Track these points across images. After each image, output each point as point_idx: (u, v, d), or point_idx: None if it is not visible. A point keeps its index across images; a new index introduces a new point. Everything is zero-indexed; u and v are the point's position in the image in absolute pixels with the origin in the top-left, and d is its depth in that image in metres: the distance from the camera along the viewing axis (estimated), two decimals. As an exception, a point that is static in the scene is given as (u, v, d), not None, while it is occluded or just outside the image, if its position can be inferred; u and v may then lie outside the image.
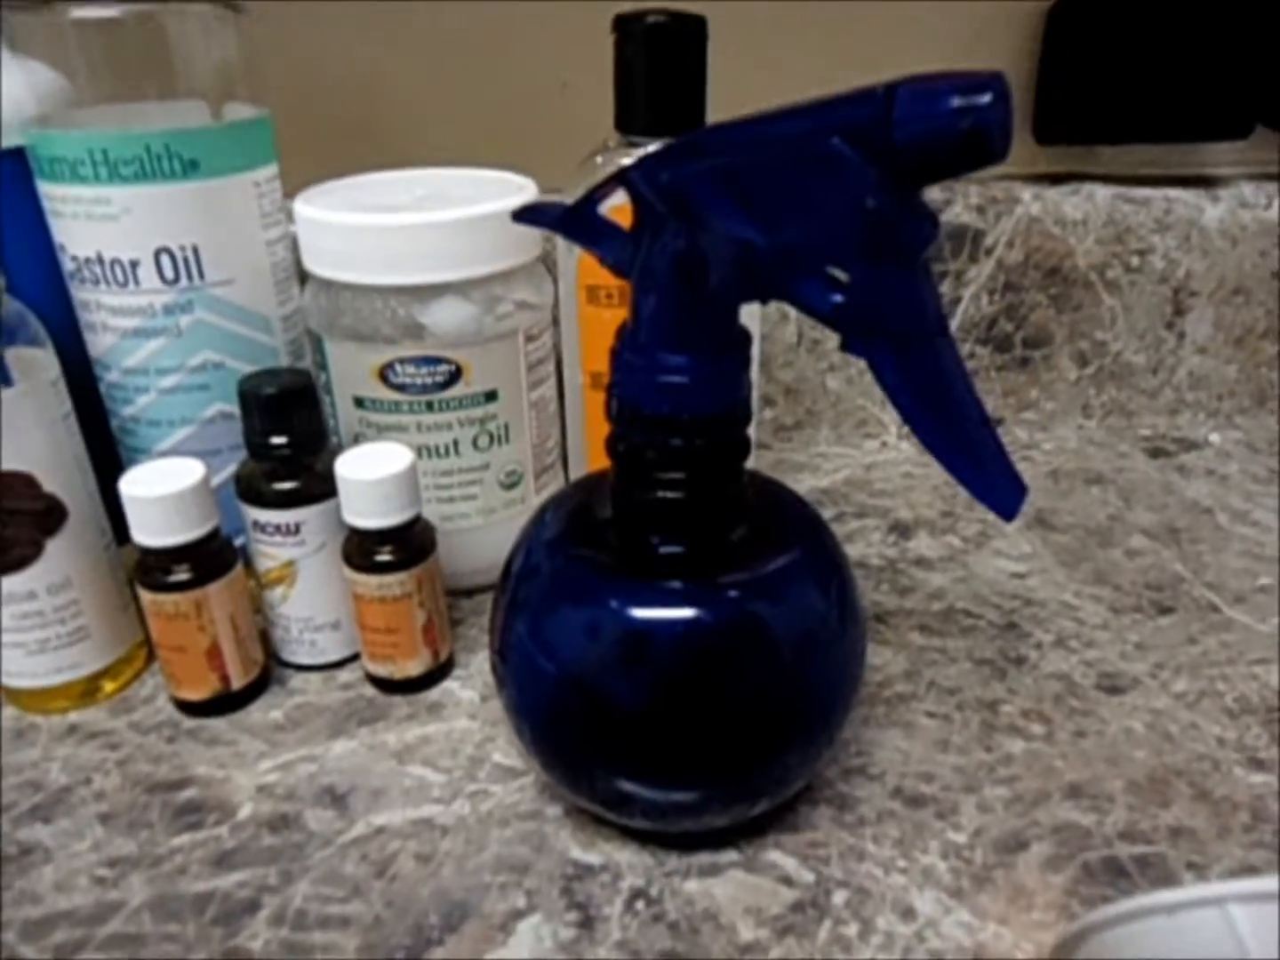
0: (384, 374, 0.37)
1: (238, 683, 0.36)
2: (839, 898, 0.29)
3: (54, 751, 0.35)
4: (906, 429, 0.57)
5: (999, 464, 0.24)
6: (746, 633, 0.28)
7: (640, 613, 0.27)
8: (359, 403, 0.39)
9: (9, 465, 0.33)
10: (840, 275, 0.22)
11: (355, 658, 0.39)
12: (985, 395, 0.57)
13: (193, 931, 0.28)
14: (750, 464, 0.29)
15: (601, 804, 0.30)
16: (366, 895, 0.29)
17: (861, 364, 0.55)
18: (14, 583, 0.34)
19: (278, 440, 0.35)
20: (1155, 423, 0.58)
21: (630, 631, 0.27)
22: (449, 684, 0.38)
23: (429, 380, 0.38)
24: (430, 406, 0.38)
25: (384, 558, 0.35)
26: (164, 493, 0.32)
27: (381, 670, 0.37)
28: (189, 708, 0.36)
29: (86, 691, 0.37)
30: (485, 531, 0.41)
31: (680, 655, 0.27)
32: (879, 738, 0.35)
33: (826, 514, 0.49)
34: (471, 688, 0.38)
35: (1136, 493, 0.51)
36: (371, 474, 0.34)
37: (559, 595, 0.29)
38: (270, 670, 0.38)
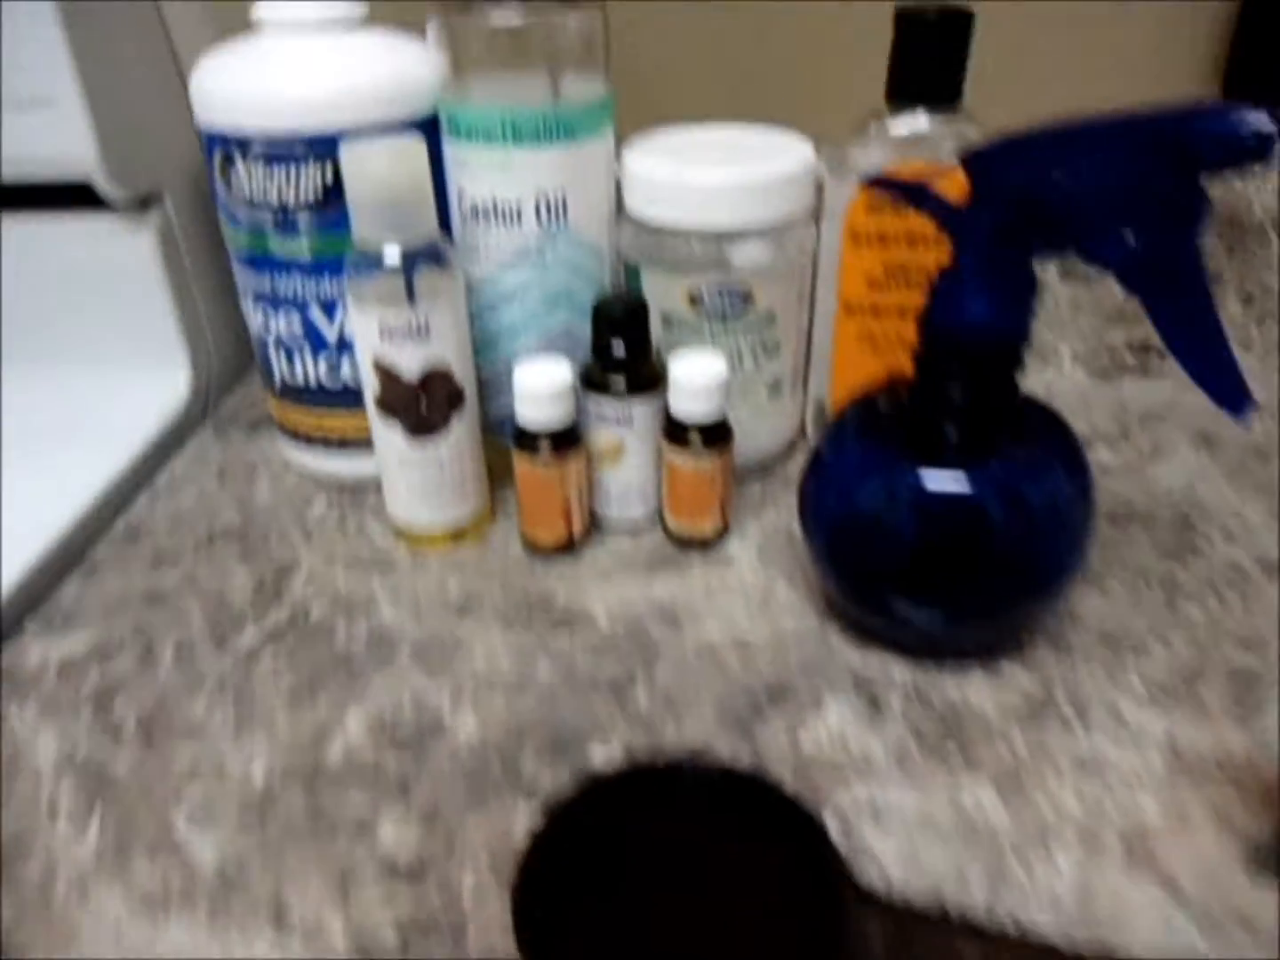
0: (692, 297, 0.48)
1: (578, 532, 0.48)
2: (1060, 696, 0.39)
3: (447, 575, 0.47)
4: (1078, 362, 0.65)
5: (1236, 379, 0.33)
6: (1005, 504, 0.37)
7: (929, 484, 0.37)
8: (665, 320, 0.49)
9: (436, 359, 0.44)
10: (1129, 237, 0.31)
11: (650, 519, 0.50)
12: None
13: (598, 702, 0.40)
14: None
15: (877, 619, 0.41)
16: (709, 678, 0.41)
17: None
18: (426, 450, 0.46)
19: (618, 346, 0.45)
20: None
21: (919, 496, 0.37)
22: (729, 545, 0.49)
23: (728, 304, 0.48)
24: (725, 324, 0.48)
25: (699, 440, 0.45)
26: (554, 389, 0.44)
27: (683, 529, 0.48)
28: (541, 549, 0.48)
29: (457, 535, 0.49)
30: (752, 426, 0.51)
31: (955, 518, 0.37)
32: (1082, 599, 0.45)
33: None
34: (748, 548, 0.49)
35: (1291, 419, 0.59)
36: (700, 377, 0.44)
37: (865, 467, 0.39)
38: (592, 527, 0.50)
